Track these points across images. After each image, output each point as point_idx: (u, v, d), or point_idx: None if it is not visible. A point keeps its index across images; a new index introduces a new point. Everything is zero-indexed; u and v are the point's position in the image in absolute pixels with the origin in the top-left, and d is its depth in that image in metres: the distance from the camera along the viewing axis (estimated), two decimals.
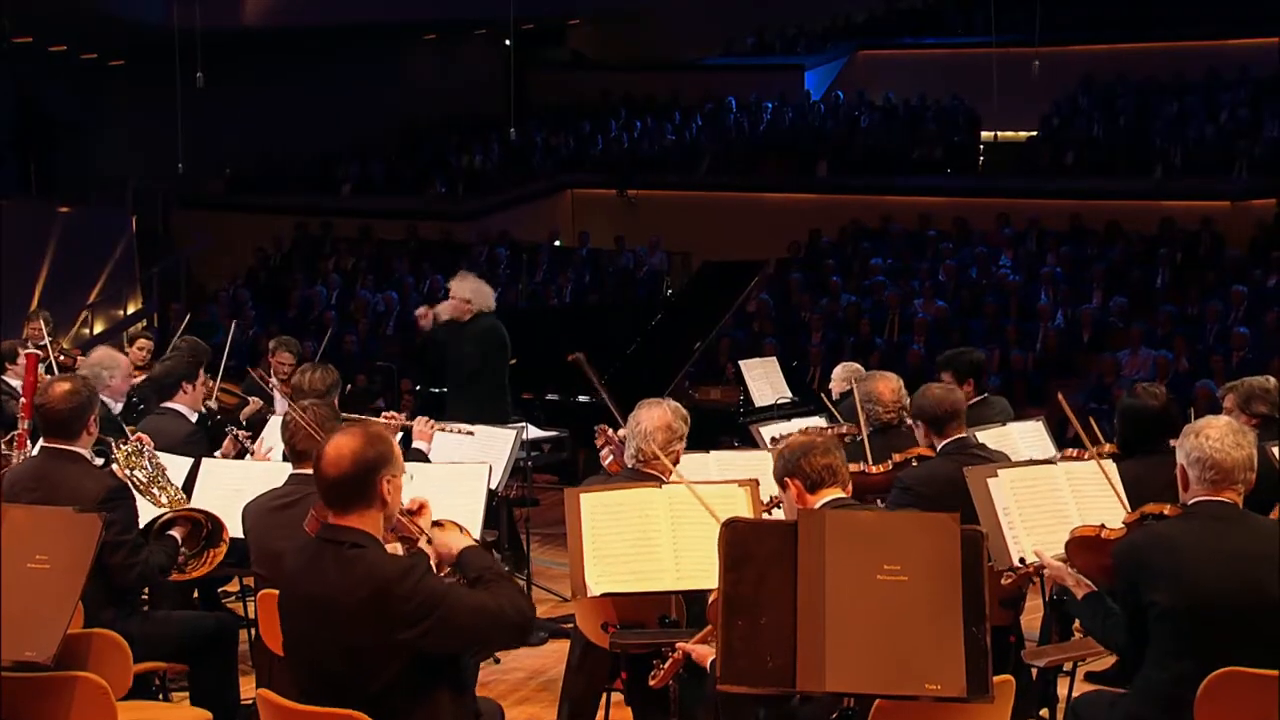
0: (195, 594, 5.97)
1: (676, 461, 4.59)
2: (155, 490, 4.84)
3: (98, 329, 16.55)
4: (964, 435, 5.06)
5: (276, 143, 18.27)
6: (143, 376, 7.56)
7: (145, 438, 5.06)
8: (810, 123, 18.79)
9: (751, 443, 6.81)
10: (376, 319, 14.93)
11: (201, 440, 6.06)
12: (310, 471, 4.36)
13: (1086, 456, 5.25)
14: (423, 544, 3.43)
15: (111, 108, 17.34)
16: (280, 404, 8.26)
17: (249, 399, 8.07)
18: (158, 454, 5.05)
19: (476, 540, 4.83)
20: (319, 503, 3.36)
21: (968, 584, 2.77)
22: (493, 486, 5.88)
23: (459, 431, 5.87)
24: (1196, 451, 3.58)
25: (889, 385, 5.73)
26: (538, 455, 7.20)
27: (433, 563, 3.41)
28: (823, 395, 7.12)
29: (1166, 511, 3.66)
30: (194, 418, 6.18)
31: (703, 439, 8.34)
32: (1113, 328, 12.87)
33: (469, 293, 7.64)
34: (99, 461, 4.86)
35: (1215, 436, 3.57)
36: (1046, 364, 12.45)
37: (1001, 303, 13.45)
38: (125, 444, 4.89)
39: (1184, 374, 11.61)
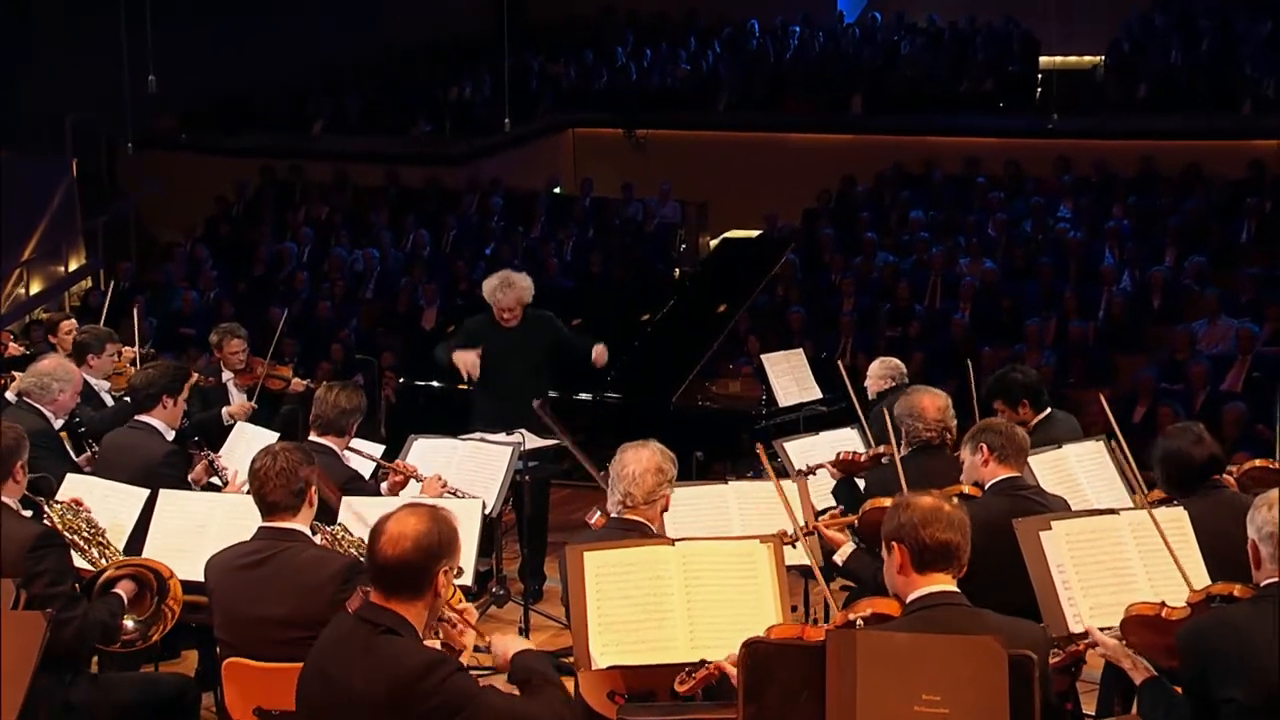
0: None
1: (665, 508, 4.74)
2: (95, 550, 4.92)
3: (34, 289, 16.55)
4: (1017, 474, 5.07)
5: (239, 74, 18.12)
6: (115, 384, 7.66)
7: (80, 500, 5.17)
8: (844, 49, 18.65)
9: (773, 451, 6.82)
10: (354, 280, 14.93)
11: (182, 463, 6.13)
12: (281, 524, 4.45)
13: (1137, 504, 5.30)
14: (468, 640, 3.71)
15: (43, 31, 17.10)
16: (236, 396, 8.34)
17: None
18: (105, 497, 5.16)
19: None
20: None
21: (1016, 718, 2.79)
22: (486, 512, 6.03)
23: (463, 495, 6.01)
24: (1269, 527, 3.58)
25: (935, 402, 5.74)
26: (535, 467, 7.25)
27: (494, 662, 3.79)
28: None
29: (1236, 592, 3.69)
30: (170, 435, 6.25)
31: (721, 445, 8.44)
32: (1188, 292, 12.74)
33: (527, 292, 7.87)
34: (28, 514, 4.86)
35: None
36: (1110, 336, 12.36)
37: (1059, 263, 13.35)
38: (57, 504, 4.95)
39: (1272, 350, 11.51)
